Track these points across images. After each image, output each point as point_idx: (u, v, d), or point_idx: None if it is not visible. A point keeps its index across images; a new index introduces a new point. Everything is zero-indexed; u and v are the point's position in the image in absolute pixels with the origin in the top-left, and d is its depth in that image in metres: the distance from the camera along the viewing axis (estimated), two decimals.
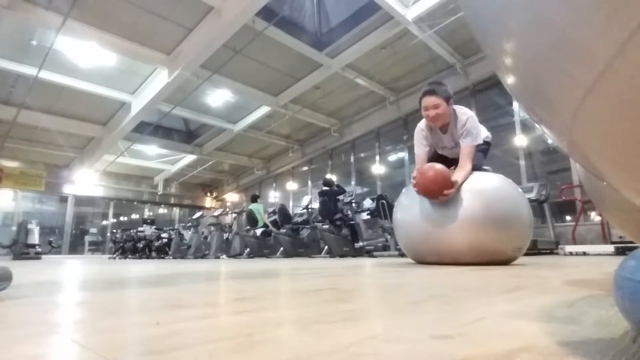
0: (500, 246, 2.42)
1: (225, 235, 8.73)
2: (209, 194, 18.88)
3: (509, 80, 0.40)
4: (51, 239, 12.77)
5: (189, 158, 14.46)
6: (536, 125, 0.46)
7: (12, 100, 9.28)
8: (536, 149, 7.78)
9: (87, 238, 15.02)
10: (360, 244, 6.66)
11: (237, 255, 7.89)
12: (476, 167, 2.59)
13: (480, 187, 2.47)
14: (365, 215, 7.22)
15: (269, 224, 8.20)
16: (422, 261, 2.66)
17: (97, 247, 15.26)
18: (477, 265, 2.26)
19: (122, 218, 17.35)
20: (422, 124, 2.77)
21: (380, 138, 10.98)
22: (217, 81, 8.64)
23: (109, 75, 8.55)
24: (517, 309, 0.66)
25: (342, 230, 6.72)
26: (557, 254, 5.71)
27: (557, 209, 7.02)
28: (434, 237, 2.49)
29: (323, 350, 0.41)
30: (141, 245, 9.54)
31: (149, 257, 9.23)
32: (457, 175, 2.45)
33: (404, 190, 2.94)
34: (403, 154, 10.45)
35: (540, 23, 0.30)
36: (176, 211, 18.65)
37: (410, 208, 2.67)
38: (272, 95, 9.76)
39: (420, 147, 2.78)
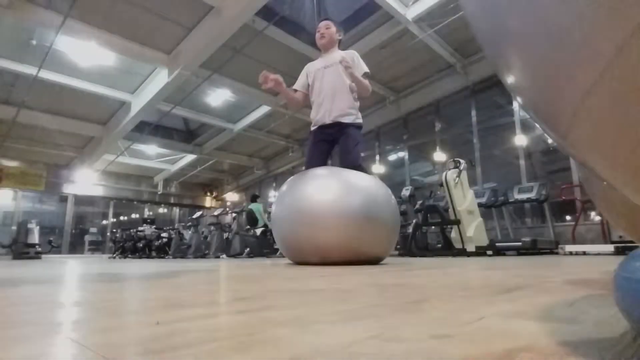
0: (371, 245, 2.50)
1: (225, 235, 8.73)
2: (209, 194, 18.87)
3: (509, 79, 0.40)
4: (51, 239, 12.74)
5: (189, 158, 14.46)
6: (536, 124, 0.46)
7: (12, 100, 9.27)
8: (536, 149, 7.78)
9: (87, 238, 15.00)
10: None
11: (237, 255, 7.89)
12: (357, 166, 2.77)
13: (356, 183, 2.57)
14: None
15: (269, 224, 8.20)
16: (299, 261, 2.62)
17: (97, 246, 15.23)
18: (349, 264, 2.31)
19: (122, 218, 17.34)
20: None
21: (380, 137, 10.98)
22: (217, 81, 8.64)
23: (109, 75, 8.54)
24: (517, 309, 0.66)
25: None
26: (557, 253, 5.71)
27: (557, 209, 7.02)
28: (305, 232, 2.45)
29: (323, 349, 0.41)
30: (141, 245, 9.53)
31: (148, 256, 9.22)
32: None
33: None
34: (403, 154, 10.44)
35: (540, 22, 0.30)
36: (176, 211, 18.64)
37: (284, 200, 2.66)
38: (272, 94, 9.75)
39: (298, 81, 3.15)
